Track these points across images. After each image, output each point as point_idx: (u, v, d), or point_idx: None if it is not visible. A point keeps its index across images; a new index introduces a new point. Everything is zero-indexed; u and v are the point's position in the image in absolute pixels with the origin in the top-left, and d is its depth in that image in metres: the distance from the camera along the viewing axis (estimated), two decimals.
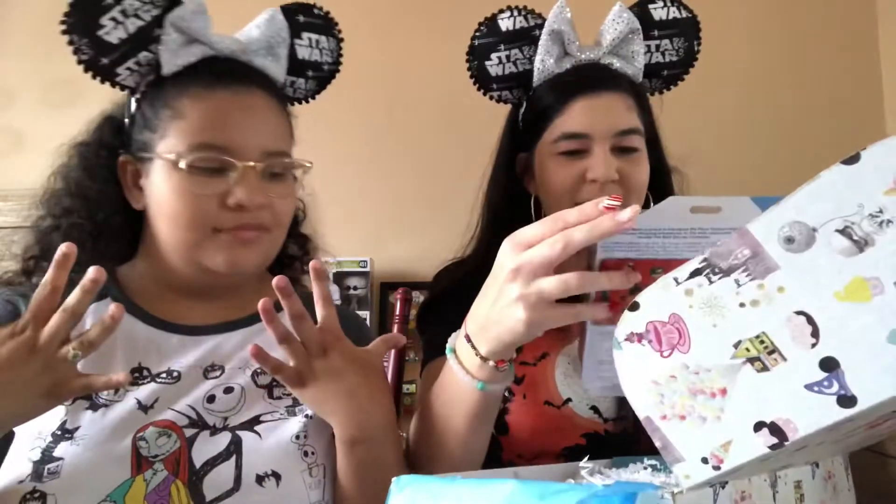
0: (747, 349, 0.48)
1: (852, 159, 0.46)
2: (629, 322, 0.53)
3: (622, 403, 0.93)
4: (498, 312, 0.65)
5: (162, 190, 0.80)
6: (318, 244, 1.01)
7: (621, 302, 0.61)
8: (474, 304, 0.71)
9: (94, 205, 0.85)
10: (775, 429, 0.47)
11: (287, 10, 0.91)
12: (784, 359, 0.47)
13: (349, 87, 1.21)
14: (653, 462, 0.66)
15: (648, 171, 0.96)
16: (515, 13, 1.00)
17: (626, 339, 0.53)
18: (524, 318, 0.62)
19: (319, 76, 0.95)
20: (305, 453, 0.77)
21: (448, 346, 0.75)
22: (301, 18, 0.91)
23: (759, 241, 0.48)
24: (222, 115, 0.80)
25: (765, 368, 0.48)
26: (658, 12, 1.00)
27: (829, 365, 0.45)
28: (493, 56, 1.00)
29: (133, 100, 0.85)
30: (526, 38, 1.00)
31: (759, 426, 0.47)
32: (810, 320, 0.46)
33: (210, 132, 0.79)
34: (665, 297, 0.51)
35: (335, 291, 2.31)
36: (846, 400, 0.44)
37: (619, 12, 0.98)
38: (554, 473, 0.64)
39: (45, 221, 0.86)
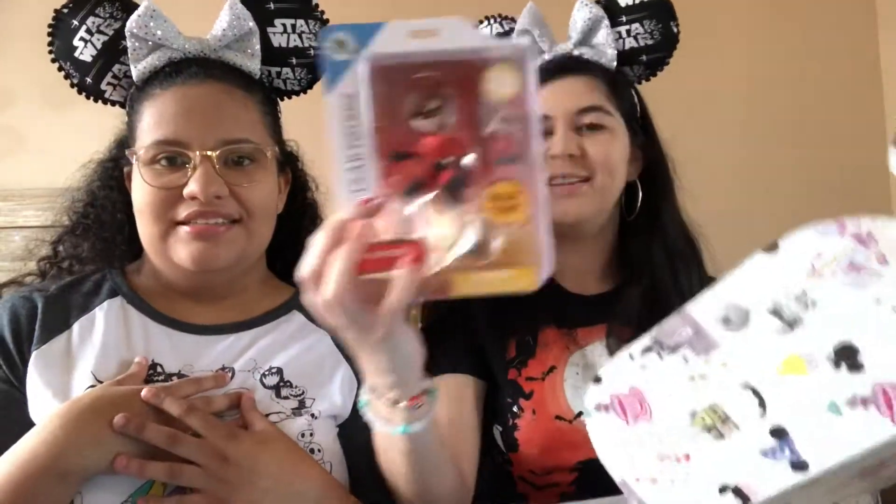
0: (703, 418, 0.52)
1: (772, 248, 0.49)
2: (594, 394, 0.57)
3: None
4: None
5: (133, 189, 0.83)
6: None
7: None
8: None
9: (101, 209, 0.89)
10: (738, 492, 0.50)
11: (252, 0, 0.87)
12: (737, 427, 0.50)
13: None
14: None
15: (621, 149, 0.99)
16: (492, 21, 1.09)
17: (595, 409, 0.57)
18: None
19: (306, 62, 0.89)
20: (312, 451, 0.79)
21: (360, 400, 0.68)
22: (272, 6, 0.88)
23: (698, 322, 0.51)
24: (172, 110, 0.80)
25: (721, 436, 0.51)
26: None
27: (779, 433, 0.48)
28: None
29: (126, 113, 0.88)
30: None
31: (723, 489, 0.51)
32: (756, 392, 0.49)
33: (163, 128, 0.79)
34: (623, 371, 0.55)
35: None
36: (798, 465, 0.47)
37: (582, 4, 1.00)
38: None
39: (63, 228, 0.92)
